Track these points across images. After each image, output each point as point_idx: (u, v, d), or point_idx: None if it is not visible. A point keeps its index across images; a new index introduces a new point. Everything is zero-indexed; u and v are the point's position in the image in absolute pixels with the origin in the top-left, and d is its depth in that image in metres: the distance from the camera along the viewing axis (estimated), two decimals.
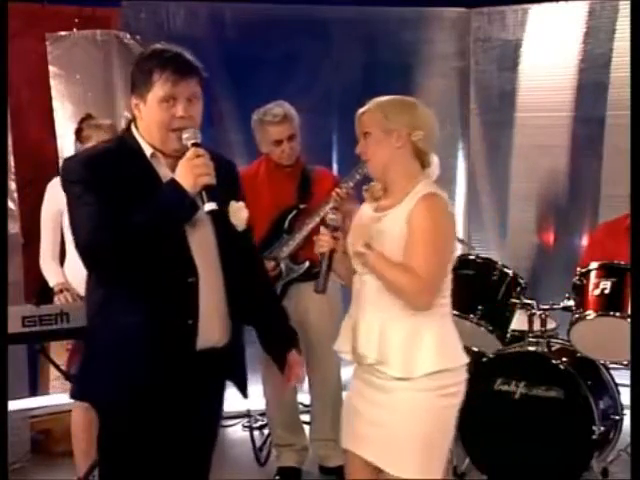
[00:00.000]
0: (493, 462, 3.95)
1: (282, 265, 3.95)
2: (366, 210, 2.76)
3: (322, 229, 2.69)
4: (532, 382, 3.84)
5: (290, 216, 3.96)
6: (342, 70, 5.22)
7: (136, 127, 2.50)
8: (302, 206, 3.96)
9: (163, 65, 2.40)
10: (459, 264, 4.17)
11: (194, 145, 2.40)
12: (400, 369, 2.55)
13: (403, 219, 2.56)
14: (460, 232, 5.44)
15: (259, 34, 5.06)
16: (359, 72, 5.24)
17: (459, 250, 4.93)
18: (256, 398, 4.09)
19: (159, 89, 2.40)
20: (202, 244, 2.47)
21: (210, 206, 2.35)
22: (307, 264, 3.97)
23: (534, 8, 5.31)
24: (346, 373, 4.08)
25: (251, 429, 4.73)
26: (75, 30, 4.78)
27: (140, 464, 2.47)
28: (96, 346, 2.50)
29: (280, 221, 3.96)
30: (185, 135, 2.41)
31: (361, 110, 2.67)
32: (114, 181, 2.37)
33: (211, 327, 2.48)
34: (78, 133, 3.87)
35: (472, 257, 4.21)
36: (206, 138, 2.50)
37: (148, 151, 2.47)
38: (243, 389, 2.68)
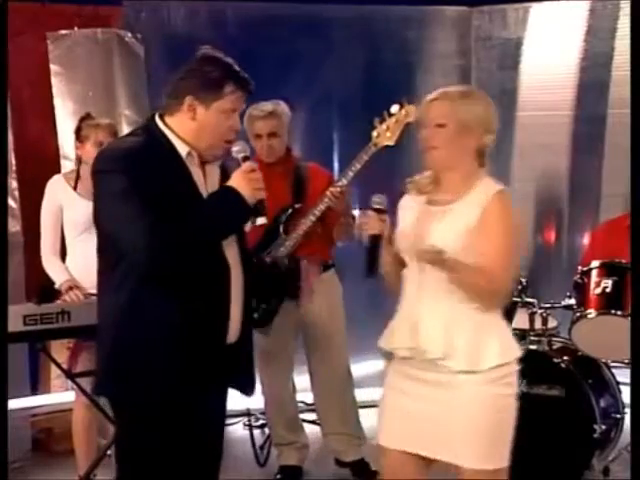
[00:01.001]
0: None
1: (281, 265, 3.94)
2: (417, 204, 2.67)
3: (369, 212, 2.64)
4: (533, 381, 3.83)
5: (286, 215, 3.94)
6: (343, 69, 5.21)
7: (164, 122, 2.49)
8: (297, 205, 3.94)
9: (237, 80, 2.47)
10: None
11: (245, 159, 2.50)
12: (466, 362, 2.53)
13: (473, 214, 2.53)
14: None
15: (260, 33, 5.04)
16: (360, 71, 5.23)
17: None
18: (256, 397, 4.08)
19: (228, 101, 2.46)
20: (230, 242, 2.52)
21: (262, 220, 2.49)
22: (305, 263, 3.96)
23: (535, 6, 5.31)
24: (354, 369, 4.18)
25: (251, 428, 4.72)
26: (76, 29, 4.77)
27: (163, 463, 2.46)
28: (124, 345, 2.44)
29: (276, 221, 3.93)
30: (235, 148, 2.52)
31: (434, 97, 2.65)
32: (154, 177, 2.36)
33: (236, 323, 2.52)
34: (77, 132, 3.87)
35: None
36: None
37: (183, 150, 2.47)
38: (250, 385, 2.70)
